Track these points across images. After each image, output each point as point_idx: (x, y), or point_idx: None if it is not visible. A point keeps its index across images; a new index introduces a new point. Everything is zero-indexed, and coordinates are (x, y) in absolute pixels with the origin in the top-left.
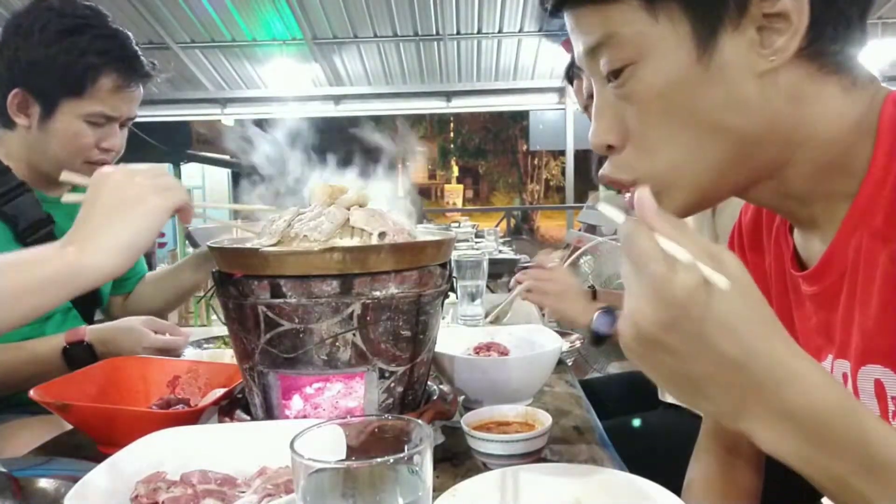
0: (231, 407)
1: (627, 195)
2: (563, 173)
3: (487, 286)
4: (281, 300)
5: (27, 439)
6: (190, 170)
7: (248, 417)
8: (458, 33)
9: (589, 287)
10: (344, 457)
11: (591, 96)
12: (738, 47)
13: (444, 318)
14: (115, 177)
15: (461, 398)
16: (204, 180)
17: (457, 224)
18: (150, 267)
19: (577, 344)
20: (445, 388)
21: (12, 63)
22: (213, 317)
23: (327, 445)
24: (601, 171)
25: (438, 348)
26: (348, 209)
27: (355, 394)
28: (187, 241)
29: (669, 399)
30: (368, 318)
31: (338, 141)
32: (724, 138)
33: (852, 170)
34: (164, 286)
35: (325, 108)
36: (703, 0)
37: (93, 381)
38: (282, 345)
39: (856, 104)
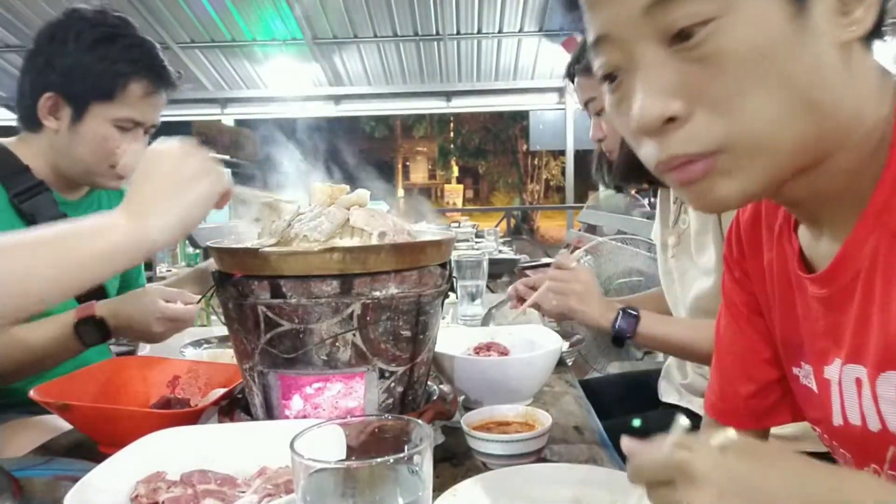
0: (231, 407)
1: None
2: (563, 173)
3: (487, 286)
4: (281, 300)
5: (27, 439)
6: None
7: (248, 417)
8: (458, 33)
9: None
10: (344, 457)
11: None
12: (826, 11)
13: (444, 318)
14: (172, 154)
15: (461, 398)
16: None
17: (457, 224)
18: (150, 263)
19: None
20: (445, 388)
21: (45, 69)
22: (213, 317)
23: (327, 445)
24: (658, 157)
25: (438, 348)
26: (348, 209)
27: (355, 394)
28: (187, 241)
29: (669, 399)
30: (368, 319)
31: (338, 141)
32: (811, 110)
33: (869, 169)
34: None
35: (325, 108)
36: None
37: (93, 381)
38: (282, 345)
39: (884, 96)
